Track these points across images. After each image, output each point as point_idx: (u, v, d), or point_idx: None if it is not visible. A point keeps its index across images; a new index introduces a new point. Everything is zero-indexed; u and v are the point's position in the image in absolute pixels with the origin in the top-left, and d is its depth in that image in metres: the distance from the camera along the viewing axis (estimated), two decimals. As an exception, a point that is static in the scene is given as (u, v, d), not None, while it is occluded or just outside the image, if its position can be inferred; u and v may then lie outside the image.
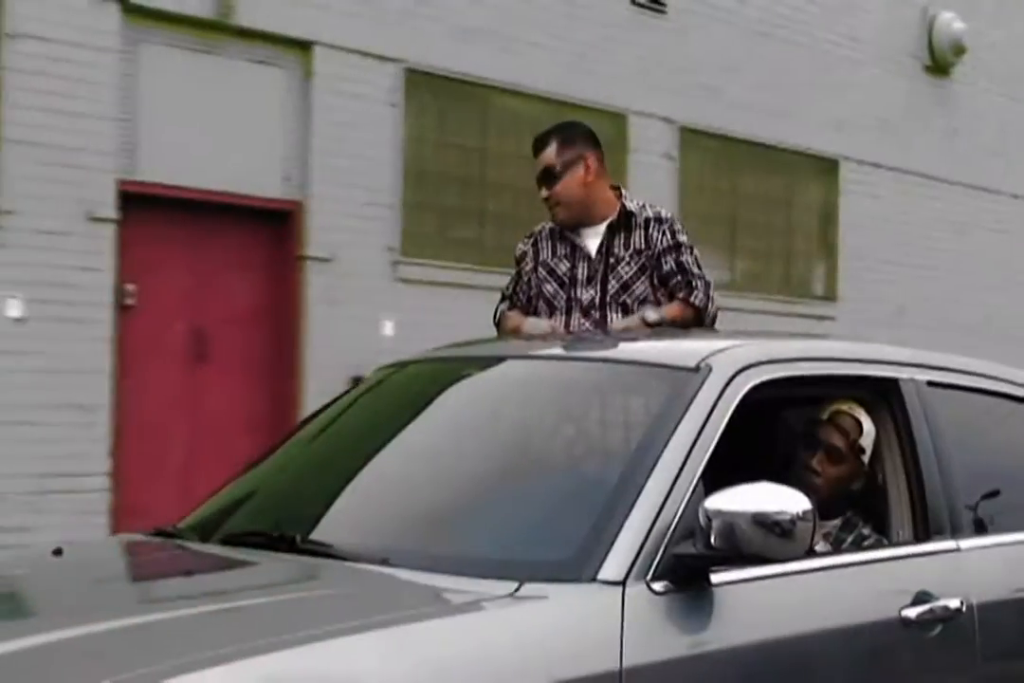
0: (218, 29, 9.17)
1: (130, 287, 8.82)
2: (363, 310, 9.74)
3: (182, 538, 3.88)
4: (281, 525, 3.70)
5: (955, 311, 14.06)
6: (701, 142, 12.11)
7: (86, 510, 8.43)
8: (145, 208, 8.81)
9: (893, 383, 4.11)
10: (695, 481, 3.40)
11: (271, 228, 9.60)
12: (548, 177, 5.11)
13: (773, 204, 12.86)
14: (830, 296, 13.34)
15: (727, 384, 3.63)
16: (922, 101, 14.19)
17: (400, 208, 10.05)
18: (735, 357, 3.77)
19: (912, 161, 13.92)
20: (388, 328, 9.80)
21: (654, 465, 3.41)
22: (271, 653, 2.76)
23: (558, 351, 4.41)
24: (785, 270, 13.07)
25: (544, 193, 5.14)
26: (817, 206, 13.32)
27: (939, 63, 14.24)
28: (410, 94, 10.11)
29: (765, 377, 3.74)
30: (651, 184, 11.52)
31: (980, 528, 4.19)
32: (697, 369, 3.68)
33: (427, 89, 10.26)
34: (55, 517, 8.25)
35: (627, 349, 4.29)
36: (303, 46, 9.57)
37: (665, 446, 3.46)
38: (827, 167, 13.29)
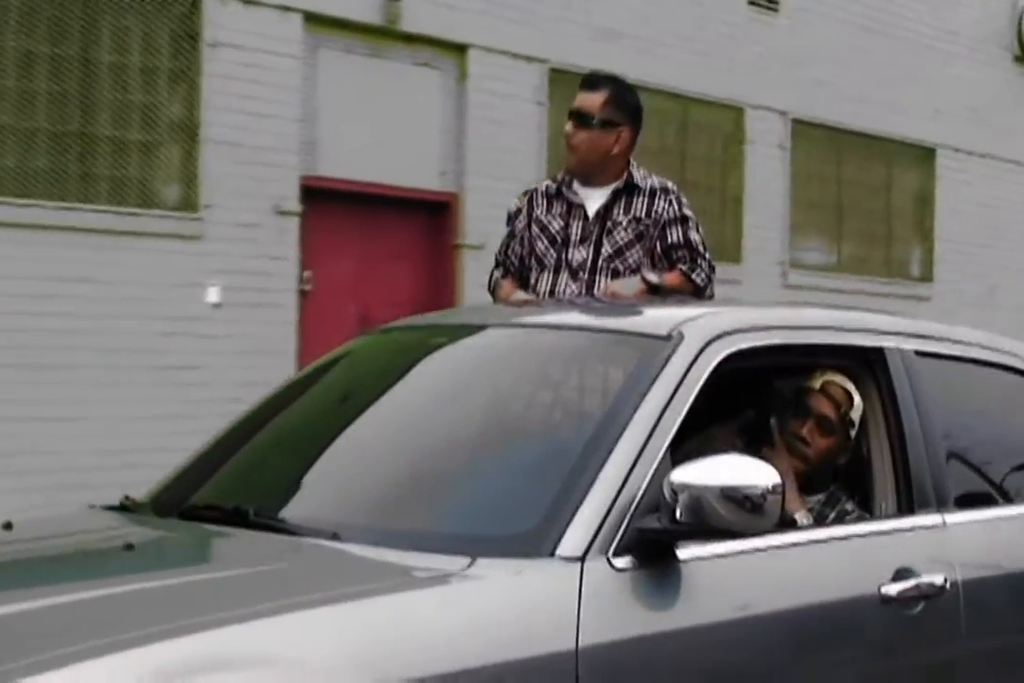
0: (386, 34, 9.89)
1: (307, 274, 9.58)
2: (511, 294, 10.45)
3: (139, 512, 3.74)
4: (238, 499, 3.52)
5: (1045, 292, 14.75)
6: (810, 133, 12.78)
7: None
8: (322, 201, 9.55)
9: (878, 352, 3.89)
10: (663, 453, 3.22)
11: (429, 219, 10.36)
12: (582, 120, 4.93)
13: (874, 191, 13.52)
14: (926, 277, 14.02)
15: (699, 353, 3.44)
16: (1012, 91, 14.79)
17: (544, 199, 10.77)
18: (708, 325, 3.57)
19: (1003, 148, 14.55)
20: (533, 311, 10.51)
21: (619, 436, 3.22)
22: (182, 636, 2.60)
23: (531, 319, 4.18)
24: (885, 253, 13.74)
25: (569, 129, 4.97)
26: (915, 192, 13.99)
27: (1028, 54, 14.87)
28: (554, 92, 10.80)
29: (740, 346, 3.54)
30: (765, 172, 12.27)
31: (971, 502, 4.02)
32: (668, 337, 3.49)
33: (569, 88, 10.91)
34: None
35: (599, 317, 4.12)
36: (459, 49, 10.29)
37: (632, 416, 3.26)
38: (924, 155, 13.95)
